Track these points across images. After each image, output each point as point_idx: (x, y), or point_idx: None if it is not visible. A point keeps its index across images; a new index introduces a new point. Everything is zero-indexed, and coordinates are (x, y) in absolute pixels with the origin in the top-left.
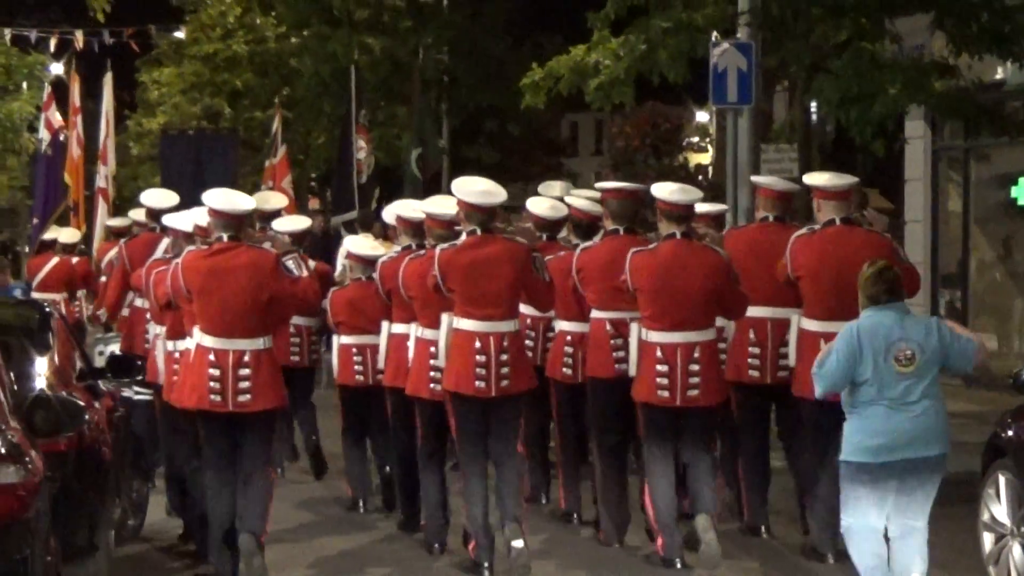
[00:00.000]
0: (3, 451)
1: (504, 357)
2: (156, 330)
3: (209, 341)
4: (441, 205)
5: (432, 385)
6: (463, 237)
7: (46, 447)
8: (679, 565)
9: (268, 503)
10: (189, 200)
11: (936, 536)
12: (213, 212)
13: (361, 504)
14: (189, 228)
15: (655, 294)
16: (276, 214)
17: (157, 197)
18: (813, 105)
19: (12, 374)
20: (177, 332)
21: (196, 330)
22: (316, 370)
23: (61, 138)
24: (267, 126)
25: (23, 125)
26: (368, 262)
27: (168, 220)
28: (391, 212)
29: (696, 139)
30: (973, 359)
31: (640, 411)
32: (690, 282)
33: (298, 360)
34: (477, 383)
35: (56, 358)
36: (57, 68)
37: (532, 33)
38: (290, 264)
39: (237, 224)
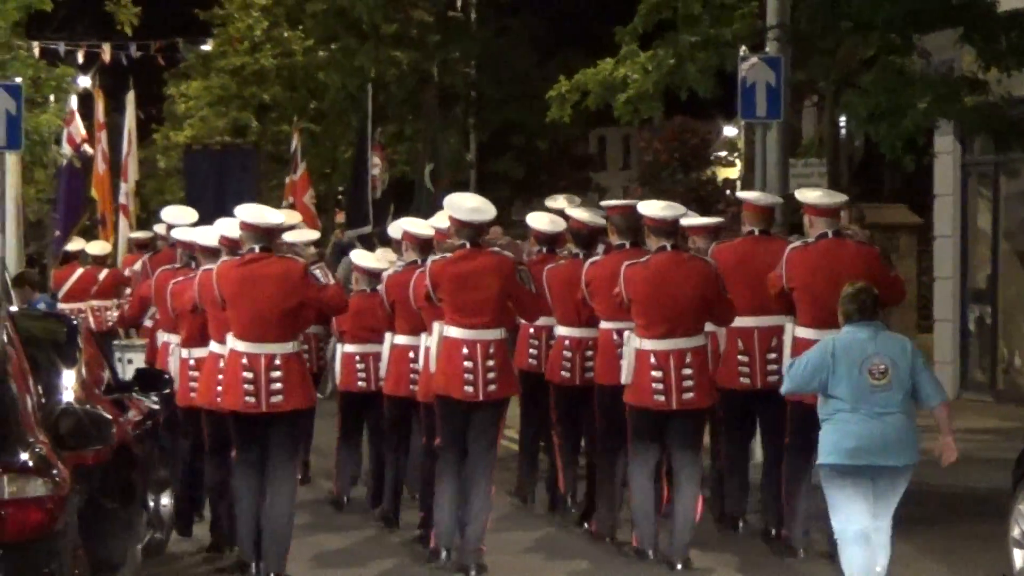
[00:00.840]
0: (31, 464)
1: (490, 363)
2: (165, 337)
3: (242, 346)
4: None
5: None
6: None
7: (73, 460)
8: (651, 555)
9: (291, 510)
10: (212, 214)
11: (965, 553)
12: (245, 225)
13: (345, 500)
14: (212, 242)
15: (647, 304)
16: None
17: (176, 213)
18: (842, 120)
19: (39, 387)
20: (194, 340)
21: (229, 336)
22: (320, 378)
23: (83, 150)
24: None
25: (51, 138)
26: (373, 275)
27: (177, 233)
28: (398, 227)
29: (724, 153)
30: (943, 394)
31: (629, 414)
32: (680, 291)
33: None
34: (466, 388)
35: (83, 371)
36: (85, 81)
37: (559, 49)
38: (317, 273)
39: (267, 236)
